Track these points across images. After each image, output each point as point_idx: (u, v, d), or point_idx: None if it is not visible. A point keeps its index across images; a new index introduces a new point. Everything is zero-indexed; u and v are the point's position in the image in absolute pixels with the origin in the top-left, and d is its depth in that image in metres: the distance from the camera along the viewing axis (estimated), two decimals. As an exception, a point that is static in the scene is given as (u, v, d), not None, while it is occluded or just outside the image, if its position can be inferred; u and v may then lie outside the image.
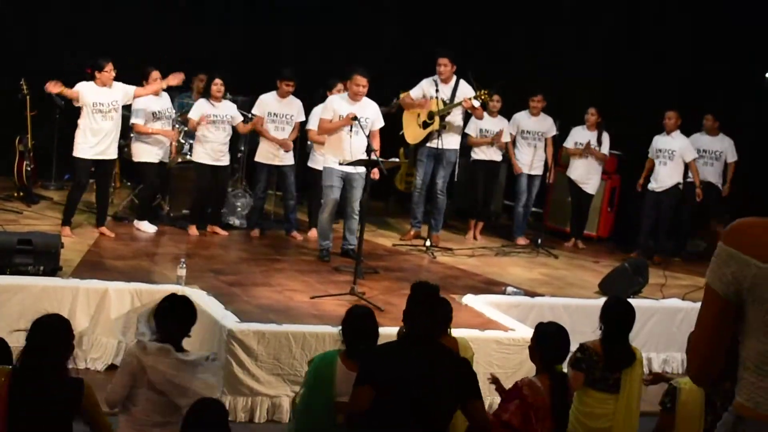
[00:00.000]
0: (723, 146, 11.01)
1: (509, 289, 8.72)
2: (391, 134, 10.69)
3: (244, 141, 10.63)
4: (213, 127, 9.74)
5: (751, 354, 2.70)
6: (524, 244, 11.08)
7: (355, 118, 8.93)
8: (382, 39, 12.88)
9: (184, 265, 7.67)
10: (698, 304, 8.78)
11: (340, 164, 9.04)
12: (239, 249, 9.60)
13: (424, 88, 10.37)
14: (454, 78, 10.32)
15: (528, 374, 4.91)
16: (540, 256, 10.61)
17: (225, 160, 9.92)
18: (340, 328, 5.02)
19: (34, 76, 10.53)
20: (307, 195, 10.76)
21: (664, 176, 10.78)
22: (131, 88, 9.32)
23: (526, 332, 6.90)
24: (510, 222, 11.67)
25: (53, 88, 8.97)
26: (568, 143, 11.32)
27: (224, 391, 6.61)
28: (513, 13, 12.54)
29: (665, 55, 11.75)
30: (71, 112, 9.18)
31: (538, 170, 11.27)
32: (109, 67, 9.08)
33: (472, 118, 10.76)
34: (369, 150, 8.42)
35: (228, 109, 9.86)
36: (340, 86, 9.94)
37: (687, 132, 10.88)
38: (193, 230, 9.80)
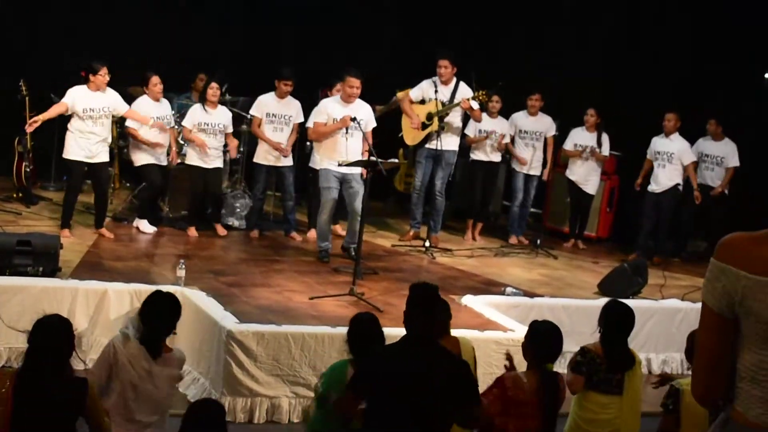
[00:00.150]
0: (725, 151, 10.99)
1: (508, 289, 8.71)
2: (390, 135, 10.70)
3: (244, 142, 10.62)
4: (204, 135, 9.72)
5: (746, 365, 2.74)
6: (516, 243, 11.09)
7: (354, 119, 8.93)
8: (382, 39, 12.87)
9: (184, 266, 7.68)
10: (698, 305, 8.77)
11: (339, 165, 9.04)
12: (238, 250, 9.60)
13: (424, 89, 10.37)
14: (454, 80, 10.32)
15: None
16: (539, 257, 10.60)
17: (217, 163, 9.88)
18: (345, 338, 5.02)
19: (34, 76, 10.55)
20: (306, 196, 10.75)
21: (663, 178, 10.77)
22: (124, 108, 9.29)
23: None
24: (506, 222, 11.66)
25: (31, 128, 8.99)
26: (568, 145, 11.30)
27: (223, 391, 6.62)
28: (513, 13, 12.54)
29: (665, 55, 11.75)
30: (71, 114, 9.17)
31: (536, 170, 11.27)
32: (104, 71, 9.03)
33: (471, 120, 10.75)
34: (370, 152, 8.42)
35: (221, 118, 9.81)
36: (339, 86, 9.93)
37: (687, 133, 10.87)
38: (192, 231, 9.79)
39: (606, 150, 11.15)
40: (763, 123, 11.27)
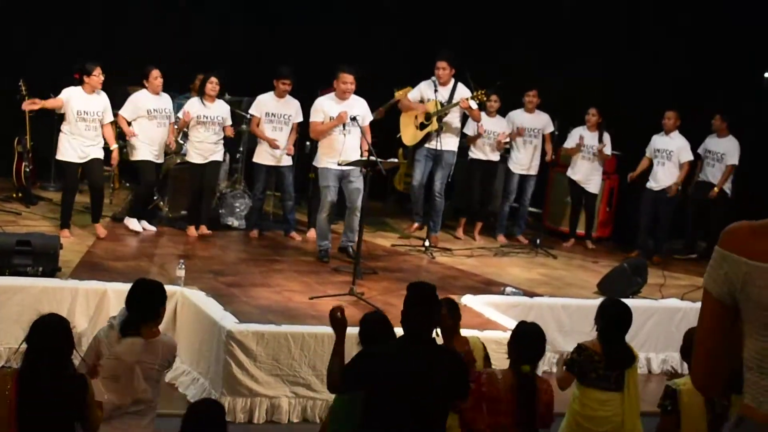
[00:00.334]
0: (726, 148, 10.98)
1: (508, 289, 8.71)
2: (389, 134, 10.70)
3: (243, 141, 10.62)
4: (203, 128, 9.72)
5: (751, 353, 2.75)
6: (505, 242, 11.09)
7: (354, 119, 8.94)
8: (382, 39, 12.87)
9: (183, 266, 7.68)
10: (697, 304, 8.78)
11: (339, 165, 9.05)
12: (238, 250, 9.60)
13: (422, 90, 10.38)
14: (452, 81, 10.32)
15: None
16: (539, 257, 10.60)
17: (215, 157, 9.86)
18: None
19: (33, 76, 10.55)
20: (306, 195, 10.75)
21: (662, 176, 10.78)
22: (110, 117, 9.26)
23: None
24: (510, 222, 11.66)
25: (29, 106, 8.95)
26: (569, 144, 11.30)
27: (223, 391, 6.62)
28: (513, 13, 12.54)
29: (665, 55, 11.75)
30: (62, 114, 9.19)
31: (533, 170, 11.28)
32: (98, 71, 9.02)
33: (470, 119, 10.75)
34: (370, 151, 8.43)
35: (219, 111, 9.82)
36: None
37: (688, 133, 10.87)
38: (191, 231, 9.79)
39: (608, 149, 11.15)
40: (763, 123, 11.27)
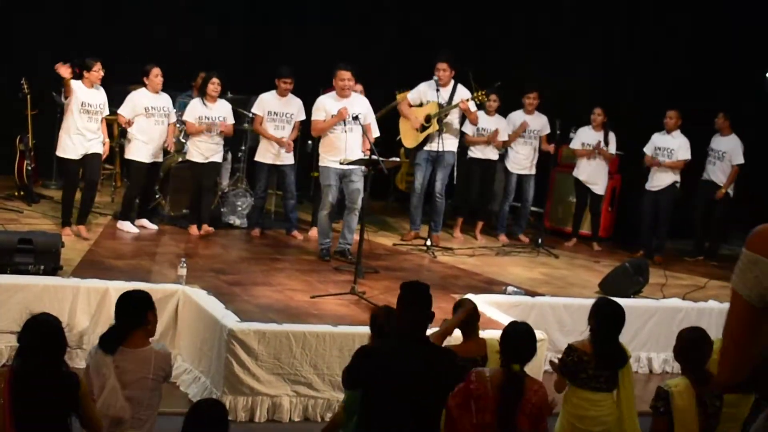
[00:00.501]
0: (728, 147, 10.99)
1: (510, 288, 8.71)
2: (390, 135, 10.70)
3: (245, 140, 10.63)
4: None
5: None
6: (507, 241, 11.09)
7: (355, 117, 8.94)
8: (382, 39, 12.88)
9: (185, 265, 7.68)
10: (698, 304, 8.76)
11: (341, 164, 9.05)
12: (240, 248, 9.60)
13: (421, 91, 10.38)
14: (452, 82, 10.33)
15: (528, 373, 4.89)
16: (540, 256, 10.61)
17: (216, 157, 9.87)
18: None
19: (34, 76, 10.55)
20: (308, 195, 10.75)
21: (661, 175, 10.79)
22: (107, 110, 9.25)
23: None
24: (511, 222, 11.66)
25: (64, 71, 8.88)
26: (575, 144, 11.30)
27: (224, 390, 6.62)
28: (513, 14, 12.55)
29: (665, 54, 11.76)
30: (63, 110, 9.19)
31: (532, 170, 11.29)
32: (98, 66, 9.04)
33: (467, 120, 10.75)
34: (372, 150, 8.43)
35: (221, 111, 9.82)
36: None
37: (689, 133, 10.88)
38: (193, 230, 9.79)
39: (613, 149, 11.15)
40: (763, 123, 11.29)
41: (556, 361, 5.49)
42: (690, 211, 11.32)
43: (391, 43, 12.90)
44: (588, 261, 10.68)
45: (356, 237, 8.91)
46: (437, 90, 10.18)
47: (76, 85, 9.05)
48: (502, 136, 10.98)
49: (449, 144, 10.37)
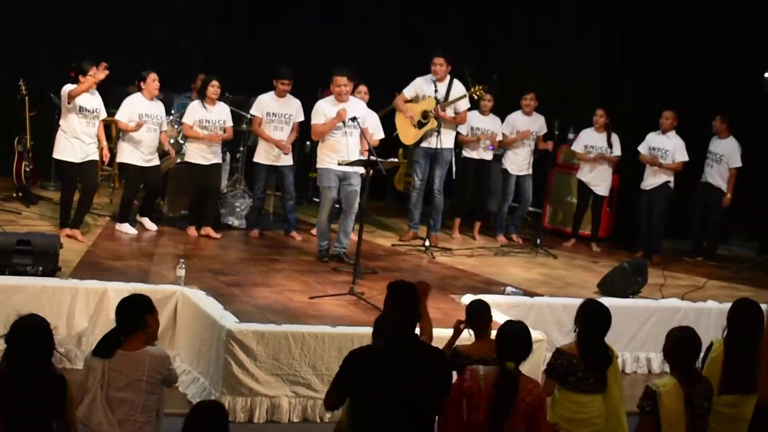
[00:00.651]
0: (726, 150, 10.98)
1: (508, 289, 8.71)
2: (389, 134, 10.69)
3: (244, 141, 10.62)
4: (205, 132, 9.70)
5: None
6: (505, 242, 11.09)
7: (354, 119, 8.93)
8: (382, 39, 12.88)
9: (183, 266, 7.67)
10: (697, 304, 8.72)
11: (339, 164, 9.04)
12: (238, 249, 9.60)
13: (418, 86, 10.37)
14: (448, 77, 10.32)
15: (528, 374, 4.88)
16: (539, 256, 10.60)
17: (216, 159, 9.87)
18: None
19: (33, 76, 10.55)
20: (307, 195, 10.74)
21: (655, 175, 10.79)
22: (103, 113, 9.23)
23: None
24: (509, 222, 11.66)
25: (101, 74, 8.88)
26: (578, 147, 11.25)
27: (223, 391, 6.62)
28: (513, 13, 12.54)
29: (665, 55, 11.75)
30: (60, 113, 9.18)
31: (530, 170, 11.28)
32: (93, 70, 9.02)
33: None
34: (370, 151, 8.43)
35: (221, 114, 9.81)
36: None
37: (687, 132, 10.87)
38: (192, 231, 9.78)
39: (618, 150, 11.12)
40: (763, 123, 11.29)
41: None
42: (688, 211, 11.33)
43: (391, 43, 12.90)
44: (587, 261, 10.67)
45: (354, 238, 8.90)
46: (434, 84, 10.17)
47: (71, 87, 9.03)
48: (498, 137, 10.97)
49: (447, 141, 10.36)
